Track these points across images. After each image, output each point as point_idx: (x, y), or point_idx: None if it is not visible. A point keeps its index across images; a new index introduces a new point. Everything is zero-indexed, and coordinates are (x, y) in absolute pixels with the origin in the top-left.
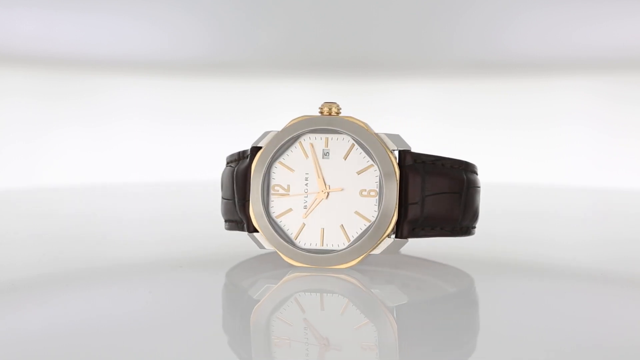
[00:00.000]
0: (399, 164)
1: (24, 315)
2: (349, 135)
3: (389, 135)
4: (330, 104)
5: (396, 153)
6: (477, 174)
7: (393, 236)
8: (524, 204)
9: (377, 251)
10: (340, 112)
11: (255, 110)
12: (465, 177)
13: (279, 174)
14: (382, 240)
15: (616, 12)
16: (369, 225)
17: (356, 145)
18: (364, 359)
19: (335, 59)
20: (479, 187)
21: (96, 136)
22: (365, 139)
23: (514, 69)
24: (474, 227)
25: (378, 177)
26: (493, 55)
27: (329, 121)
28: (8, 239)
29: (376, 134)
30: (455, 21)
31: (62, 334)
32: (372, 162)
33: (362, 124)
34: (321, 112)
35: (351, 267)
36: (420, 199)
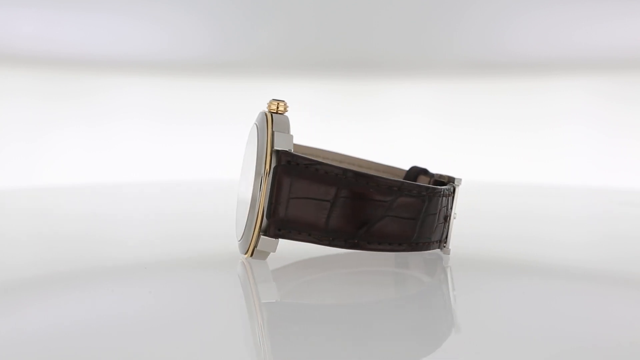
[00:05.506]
0: (277, 164)
1: (24, 315)
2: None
3: (281, 135)
4: (277, 101)
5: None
6: (389, 186)
7: None
8: (524, 204)
9: (259, 247)
10: (287, 110)
11: (255, 110)
12: (345, 187)
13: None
14: (258, 236)
15: (617, 12)
16: (247, 221)
17: None
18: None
19: (335, 59)
20: (382, 200)
21: (96, 136)
22: (261, 136)
23: (514, 69)
24: (383, 244)
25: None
26: (493, 55)
27: (257, 118)
28: (8, 239)
29: (272, 133)
30: (456, 21)
31: (62, 334)
32: None
33: (269, 121)
34: (269, 108)
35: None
36: (285, 200)
